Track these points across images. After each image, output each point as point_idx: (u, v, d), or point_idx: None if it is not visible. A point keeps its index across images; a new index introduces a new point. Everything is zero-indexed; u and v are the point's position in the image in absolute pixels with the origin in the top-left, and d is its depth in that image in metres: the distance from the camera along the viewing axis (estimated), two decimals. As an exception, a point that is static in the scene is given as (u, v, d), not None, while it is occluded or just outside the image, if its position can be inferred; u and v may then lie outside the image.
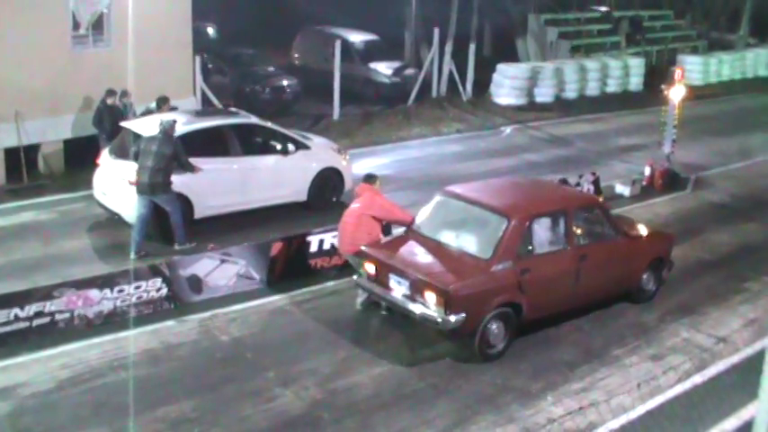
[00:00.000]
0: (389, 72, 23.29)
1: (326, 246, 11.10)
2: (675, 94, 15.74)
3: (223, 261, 10.41)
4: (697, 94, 23.34)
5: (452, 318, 8.67)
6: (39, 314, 9.06)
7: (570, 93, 24.68)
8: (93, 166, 12.76)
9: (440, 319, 8.74)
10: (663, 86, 16.34)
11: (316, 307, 10.29)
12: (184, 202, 11.89)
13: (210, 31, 26.77)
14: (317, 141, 14.19)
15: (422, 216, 10.02)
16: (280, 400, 8.17)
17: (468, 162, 17.41)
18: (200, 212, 12.24)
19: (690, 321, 10.33)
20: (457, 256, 9.25)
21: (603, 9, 30.75)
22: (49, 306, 9.11)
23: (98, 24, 15.43)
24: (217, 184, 12.26)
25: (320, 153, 13.80)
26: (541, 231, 9.50)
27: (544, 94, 23.96)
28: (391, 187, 13.51)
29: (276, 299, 10.44)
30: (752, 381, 5.82)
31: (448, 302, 8.64)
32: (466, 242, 9.36)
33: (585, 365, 9.12)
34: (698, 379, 8.83)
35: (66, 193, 14.01)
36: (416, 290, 8.98)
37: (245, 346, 9.23)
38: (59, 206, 13.50)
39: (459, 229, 9.57)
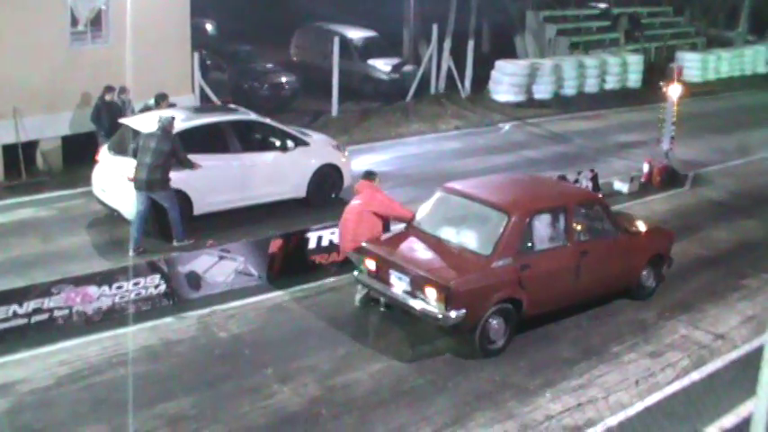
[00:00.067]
0: (388, 69, 23.25)
1: (325, 242, 11.11)
2: (674, 91, 15.74)
3: (222, 258, 10.40)
4: (695, 91, 23.35)
5: (453, 313, 8.67)
6: (37, 311, 9.06)
7: (569, 90, 24.62)
8: (92, 162, 12.76)
9: (440, 315, 8.75)
10: (661, 83, 16.35)
11: (314, 303, 10.28)
12: (183, 199, 11.89)
13: (209, 27, 26.69)
14: (315, 138, 14.17)
15: (422, 212, 10.02)
16: (278, 397, 8.17)
17: (466, 159, 17.40)
18: (199, 209, 12.24)
19: (688, 318, 10.34)
20: (457, 252, 9.25)
21: (602, 6, 30.68)
22: (47, 303, 9.11)
23: (96, 21, 15.37)
24: (216, 181, 12.26)
25: (319, 150, 13.79)
26: (541, 227, 9.51)
27: (543, 91, 23.90)
28: (390, 184, 13.49)
29: (275, 295, 10.44)
30: (750, 378, 5.81)
31: (449, 298, 8.64)
32: (466, 238, 9.36)
33: (584, 362, 9.13)
34: (696, 376, 8.81)
35: (65, 189, 14.01)
36: (417, 286, 8.98)
37: (244, 343, 9.23)
38: (58, 203, 13.49)
39: (459, 225, 9.57)
